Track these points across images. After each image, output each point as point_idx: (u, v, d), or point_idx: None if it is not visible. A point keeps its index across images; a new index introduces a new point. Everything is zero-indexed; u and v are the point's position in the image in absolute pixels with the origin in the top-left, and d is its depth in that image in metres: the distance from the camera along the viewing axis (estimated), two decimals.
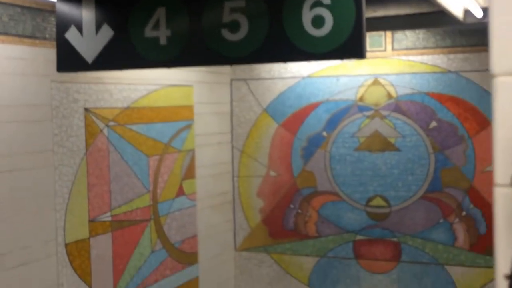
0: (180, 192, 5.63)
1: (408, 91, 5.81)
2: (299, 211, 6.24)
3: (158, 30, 3.49)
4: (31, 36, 4.16)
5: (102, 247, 4.76)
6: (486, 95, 5.59)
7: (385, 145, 5.92)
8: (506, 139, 0.99)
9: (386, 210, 5.97)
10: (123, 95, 4.94)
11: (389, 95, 5.88)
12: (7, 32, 4.00)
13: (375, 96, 5.92)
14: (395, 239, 5.95)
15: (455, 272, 5.79)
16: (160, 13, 3.45)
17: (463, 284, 5.77)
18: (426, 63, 5.75)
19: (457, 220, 5.75)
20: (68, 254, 4.45)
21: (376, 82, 5.91)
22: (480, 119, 5.63)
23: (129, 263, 5.04)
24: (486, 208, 5.66)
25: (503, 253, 0.96)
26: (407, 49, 5.80)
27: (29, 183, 4.13)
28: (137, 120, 5.10)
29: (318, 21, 3.24)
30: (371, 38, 5.82)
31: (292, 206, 6.26)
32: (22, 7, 4.10)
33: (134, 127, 5.07)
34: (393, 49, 5.83)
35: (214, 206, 6.17)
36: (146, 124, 5.20)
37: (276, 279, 6.40)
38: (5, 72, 3.98)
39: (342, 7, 3.16)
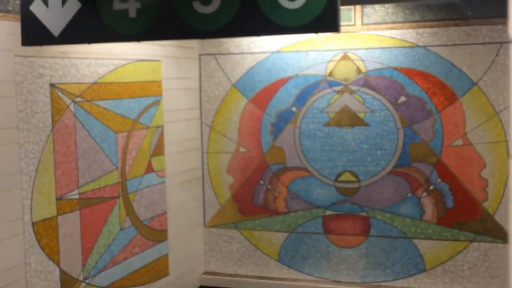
0: (149, 169, 5.56)
1: (377, 66, 5.81)
2: (269, 187, 6.23)
3: (127, 2, 3.40)
4: None
5: (70, 226, 4.67)
6: (454, 69, 5.62)
7: (354, 120, 5.93)
8: None
9: (355, 185, 5.99)
10: (90, 70, 4.82)
11: (359, 70, 5.87)
12: None
13: (345, 71, 5.90)
14: (364, 214, 6.00)
15: (423, 245, 5.86)
16: None
17: (431, 257, 5.86)
18: (395, 38, 5.75)
19: (425, 194, 5.81)
20: (36, 233, 4.36)
21: (345, 57, 5.90)
22: (448, 93, 5.67)
23: (98, 241, 4.97)
24: (453, 182, 5.72)
25: None
26: (376, 23, 5.78)
27: None
28: (104, 96, 4.99)
29: None
30: (340, 12, 5.77)
31: (261, 182, 6.24)
32: None
33: (101, 103, 4.96)
34: (362, 23, 5.81)
35: (183, 183, 6.12)
36: (114, 100, 5.09)
37: (246, 255, 6.40)
38: None
39: None
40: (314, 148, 6.06)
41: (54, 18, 3.44)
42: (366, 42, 5.83)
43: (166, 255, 5.85)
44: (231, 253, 6.45)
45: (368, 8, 5.76)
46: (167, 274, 5.87)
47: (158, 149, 5.68)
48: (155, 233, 5.68)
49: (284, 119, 6.11)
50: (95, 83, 4.88)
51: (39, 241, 4.39)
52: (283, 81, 6.09)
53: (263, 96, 6.16)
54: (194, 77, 6.31)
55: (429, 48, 5.67)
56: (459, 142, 5.67)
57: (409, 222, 5.88)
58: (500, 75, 5.46)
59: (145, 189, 5.51)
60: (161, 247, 5.76)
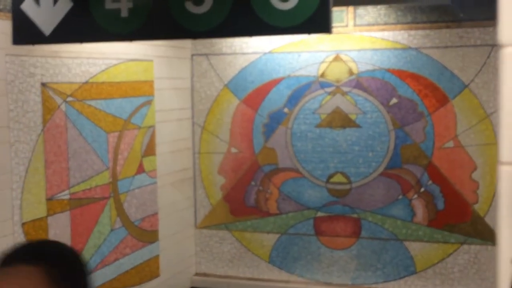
0: (140, 169, 5.54)
1: (369, 67, 5.82)
2: (260, 188, 6.22)
3: (119, 2, 3.39)
4: None
5: (60, 226, 4.64)
6: (445, 71, 5.63)
7: (346, 122, 5.93)
8: None
9: (346, 187, 6.00)
10: (81, 69, 4.80)
11: (351, 72, 5.87)
12: None
13: (337, 73, 5.90)
14: (355, 216, 6.00)
15: (414, 247, 5.87)
16: None
17: (421, 259, 5.86)
18: (387, 39, 5.75)
19: (415, 196, 5.82)
20: (25, 233, 4.33)
21: (337, 58, 5.90)
22: (439, 96, 5.68)
23: (88, 241, 4.94)
24: (444, 184, 5.73)
25: (508, 236, 0.88)
26: (368, 25, 5.79)
27: None
28: (96, 95, 4.96)
29: None
30: (332, 13, 5.77)
31: (253, 183, 6.23)
32: None
33: (93, 103, 4.93)
34: (354, 24, 5.81)
35: (174, 183, 6.10)
36: (105, 100, 5.07)
37: (237, 256, 6.39)
38: None
39: None
40: (305, 149, 6.06)
41: (46, 17, 3.42)
42: (358, 43, 5.83)
43: (157, 256, 5.83)
44: (222, 254, 6.44)
45: (361, 10, 5.76)
46: (158, 275, 5.85)
47: (150, 150, 5.67)
48: (146, 234, 5.66)
49: (276, 120, 6.11)
50: (86, 82, 4.86)
51: None
52: (275, 82, 6.08)
53: (255, 97, 6.15)
54: (186, 77, 6.29)
55: (421, 50, 5.68)
56: (450, 144, 5.68)
57: (400, 224, 5.89)
58: (491, 77, 5.48)
59: (136, 190, 5.49)
60: (152, 248, 5.74)
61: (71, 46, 4.60)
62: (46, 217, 4.51)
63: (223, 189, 6.35)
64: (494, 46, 5.46)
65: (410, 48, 5.70)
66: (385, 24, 5.74)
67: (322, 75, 5.94)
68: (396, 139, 5.82)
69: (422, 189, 5.80)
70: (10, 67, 4.16)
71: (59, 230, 4.63)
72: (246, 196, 6.27)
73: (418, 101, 5.72)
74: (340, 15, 5.81)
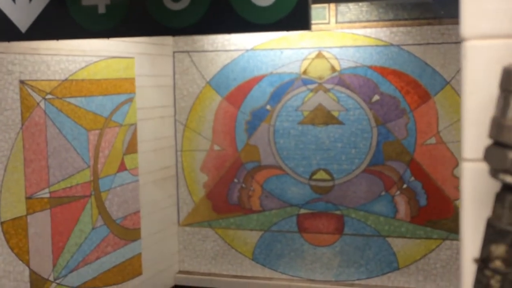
0: (122, 167, 5.50)
1: (352, 64, 5.82)
2: (243, 185, 6.21)
3: None
4: None
5: (40, 225, 4.60)
6: (427, 68, 5.64)
7: (329, 119, 5.93)
8: (476, 110, 0.90)
9: (329, 184, 6.00)
10: (61, 66, 4.76)
11: (333, 68, 5.87)
12: None
13: (319, 70, 5.90)
14: (338, 212, 6.00)
15: (396, 243, 5.89)
16: None
17: (404, 256, 5.88)
18: (369, 36, 5.76)
19: (398, 192, 5.83)
20: (4, 232, 4.28)
21: (320, 55, 5.89)
22: (421, 92, 5.70)
23: (69, 240, 4.90)
24: (426, 180, 5.75)
25: (471, 235, 0.88)
26: (350, 22, 5.79)
27: None
28: (76, 93, 4.92)
29: None
30: (314, 11, 5.77)
31: (236, 180, 6.22)
32: None
33: (73, 100, 4.89)
34: (336, 22, 5.81)
35: (157, 181, 6.07)
36: (85, 97, 5.03)
37: (220, 253, 6.37)
38: None
39: None
40: (288, 146, 6.05)
41: (21, 14, 3.38)
42: (340, 40, 5.83)
43: (139, 254, 5.80)
44: (206, 252, 6.42)
45: (342, 7, 5.76)
46: (140, 274, 5.82)
47: (131, 147, 5.63)
48: (128, 232, 5.62)
49: (258, 117, 6.09)
50: (66, 80, 4.82)
51: (8, 241, 4.32)
52: (257, 79, 6.07)
53: (237, 94, 6.13)
54: (168, 74, 6.26)
55: (403, 47, 5.69)
56: (432, 140, 5.70)
57: (383, 220, 5.90)
58: None
59: (117, 188, 5.45)
60: (134, 246, 5.71)
61: (50, 43, 4.56)
62: (26, 216, 4.47)
63: (206, 187, 6.33)
64: None
65: (392, 45, 5.71)
66: (367, 21, 5.74)
67: (305, 72, 5.94)
68: (379, 135, 5.83)
69: (405, 186, 5.81)
70: None
71: (39, 229, 4.59)
72: (229, 193, 6.26)
73: (400, 98, 5.73)
74: (322, 12, 5.81)
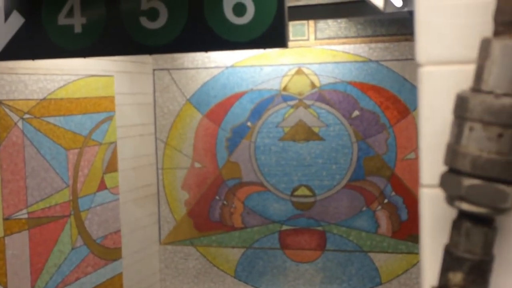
0: (102, 186, 5.46)
1: (331, 80, 5.84)
2: (225, 202, 6.18)
3: (72, 18, 3.34)
4: None
5: (18, 246, 4.54)
6: (406, 84, 5.68)
7: (309, 135, 5.94)
8: (433, 135, 0.90)
9: (311, 200, 5.99)
10: (38, 86, 4.72)
11: (313, 85, 5.89)
12: None
13: (299, 86, 5.92)
14: (320, 228, 5.99)
15: (379, 259, 5.89)
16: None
17: (386, 271, 5.88)
18: (348, 52, 5.79)
19: (379, 207, 5.84)
20: None
21: (299, 72, 5.91)
22: (400, 107, 5.73)
23: (48, 261, 4.84)
24: (407, 195, 5.77)
25: (430, 262, 0.87)
26: (329, 38, 5.82)
27: None
28: (54, 112, 4.89)
29: (239, 9, 3.18)
30: (293, 27, 5.81)
31: (217, 197, 6.19)
32: None
33: (51, 120, 4.86)
34: (316, 38, 5.84)
35: (137, 200, 6.03)
36: (64, 116, 4.99)
37: (202, 271, 6.33)
38: None
39: None
40: (269, 162, 6.05)
41: None
42: (319, 56, 5.86)
43: (121, 274, 5.74)
44: (187, 271, 6.37)
45: (321, 23, 5.79)
46: None
47: (111, 166, 5.59)
48: (109, 251, 5.57)
49: (239, 134, 6.09)
50: (44, 99, 4.78)
51: None
52: (237, 96, 6.07)
53: (218, 111, 6.13)
54: (148, 92, 6.24)
55: (382, 62, 5.73)
56: (412, 155, 5.72)
57: (365, 235, 5.90)
58: None
59: (98, 207, 5.40)
60: (115, 266, 5.65)
61: (28, 62, 4.53)
62: (3, 237, 4.41)
63: (187, 205, 6.29)
64: None
65: (370, 60, 5.75)
66: (346, 37, 5.78)
67: (285, 88, 5.95)
68: (359, 151, 5.84)
69: (386, 201, 5.82)
70: None
71: (17, 250, 4.53)
72: (211, 210, 6.23)
73: (380, 113, 5.76)
74: (301, 29, 5.84)
